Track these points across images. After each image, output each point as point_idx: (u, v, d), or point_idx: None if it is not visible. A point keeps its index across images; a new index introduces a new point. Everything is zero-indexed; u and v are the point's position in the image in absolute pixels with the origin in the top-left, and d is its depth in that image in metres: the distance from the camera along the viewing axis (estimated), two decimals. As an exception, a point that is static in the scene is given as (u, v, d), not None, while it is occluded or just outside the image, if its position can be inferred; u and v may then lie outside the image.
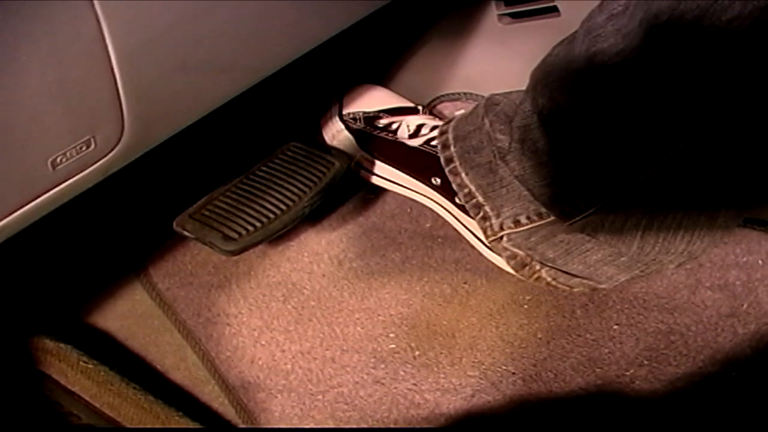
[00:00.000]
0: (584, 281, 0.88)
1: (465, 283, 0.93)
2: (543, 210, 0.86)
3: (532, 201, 0.87)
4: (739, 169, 0.77)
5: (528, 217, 0.87)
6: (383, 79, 1.16)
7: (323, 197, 0.93)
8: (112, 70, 0.61)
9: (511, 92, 0.92)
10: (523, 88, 0.91)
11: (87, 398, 0.85)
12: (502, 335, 0.89)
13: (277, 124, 1.10)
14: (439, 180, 0.96)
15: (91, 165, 0.67)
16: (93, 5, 0.57)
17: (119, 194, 0.97)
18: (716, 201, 0.81)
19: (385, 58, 1.17)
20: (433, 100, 1.15)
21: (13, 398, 0.87)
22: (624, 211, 0.82)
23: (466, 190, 0.92)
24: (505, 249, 0.90)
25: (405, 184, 1.02)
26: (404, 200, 1.03)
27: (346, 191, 1.04)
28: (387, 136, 1.04)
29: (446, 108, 1.13)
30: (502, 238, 0.90)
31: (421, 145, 1.00)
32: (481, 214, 0.91)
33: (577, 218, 0.83)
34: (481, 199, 0.91)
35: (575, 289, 0.90)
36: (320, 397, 0.86)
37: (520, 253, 0.89)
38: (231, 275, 0.97)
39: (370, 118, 1.07)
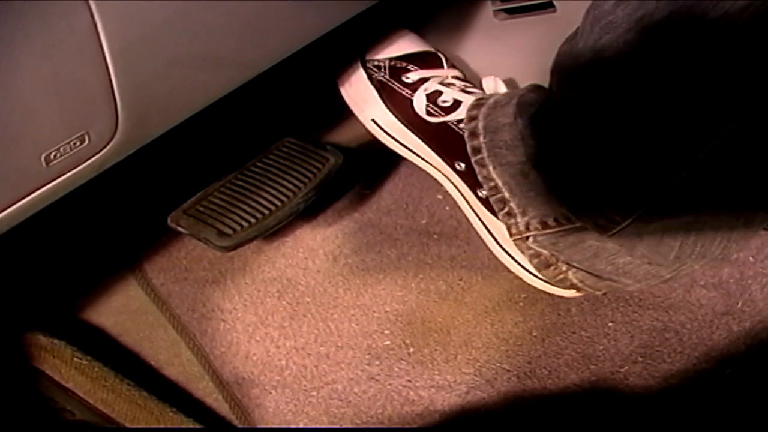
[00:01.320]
0: (612, 284, 0.85)
1: (460, 279, 0.93)
2: (571, 214, 0.82)
3: (561, 205, 0.83)
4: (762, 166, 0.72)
5: (556, 220, 0.83)
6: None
7: (318, 193, 0.93)
8: (106, 65, 0.61)
9: (544, 89, 0.89)
10: (520, 83, 0.91)
11: (81, 394, 0.85)
12: (497, 332, 0.89)
13: (272, 120, 1.09)
14: (463, 165, 0.92)
15: (85, 161, 0.66)
16: (87, 1, 0.57)
17: (114, 189, 0.97)
18: (754, 203, 0.76)
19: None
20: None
21: (7, 394, 0.87)
22: (661, 222, 0.77)
23: (492, 184, 0.88)
24: (529, 248, 0.86)
25: (428, 159, 0.97)
26: (400, 196, 1.03)
27: (341, 187, 1.04)
28: (412, 96, 0.98)
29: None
30: (527, 238, 0.86)
31: (442, 122, 0.95)
32: (506, 209, 0.87)
33: (613, 231, 0.78)
34: (507, 194, 0.87)
35: (600, 292, 0.88)
36: (314, 393, 0.86)
37: (545, 252, 0.86)
38: (226, 271, 0.96)
39: (397, 69, 1.01)
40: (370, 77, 1.01)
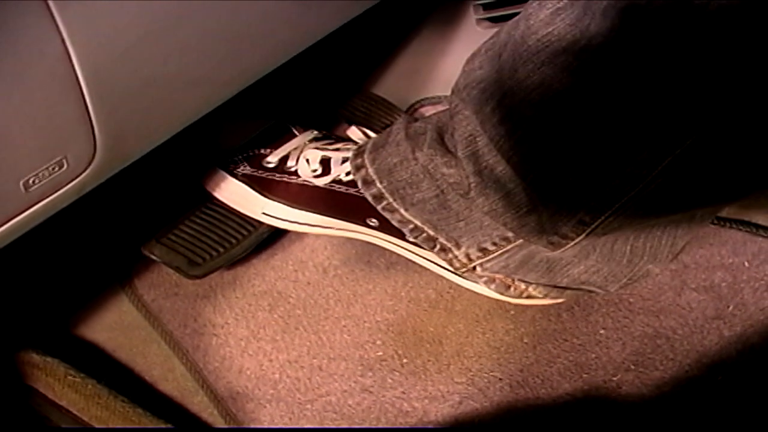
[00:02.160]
0: (576, 292, 0.84)
1: (450, 288, 0.92)
2: (509, 234, 0.79)
3: (496, 227, 0.79)
4: (719, 169, 0.69)
5: (494, 243, 0.80)
6: (364, 84, 1.15)
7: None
8: (80, 88, 0.61)
9: (430, 116, 0.84)
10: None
11: (75, 412, 0.85)
12: (488, 341, 0.88)
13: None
14: (375, 221, 0.87)
15: (65, 185, 0.66)
16: (56, 25, 0.57)
17: (102, 206, 0.97)
18: (697, 201, 0.74)
19: (365, 63, 1.16)
20: (415, 104, 1.14)
21: (2, 413, 0.87)
22: (613, 233, 0.75)
23: (411, 226, 0.83)
24: (481, 276, 0.84)
25: (340, 228, 0.92)
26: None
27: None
28: (286, 179, 0.93)
29: (427, 111, 1.12)
30: (475, 268, 0.84)
31: (331, 184, 0.89)
32: (438, 246, 0.83)
33: (567, 247, 0.75)
34: (431, 232, 0.83)
35: (570, 300, 0.88)
36: (309, 406, 0.86)
37: (498, 275, 0.83)
38: (216, 285, 0.96)
39: (253, 158, 0.96)
40: (234, 176, 0.96)
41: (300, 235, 1.00)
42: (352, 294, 0.94)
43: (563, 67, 0.66)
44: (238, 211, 0.96)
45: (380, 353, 0.89)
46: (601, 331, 0.87)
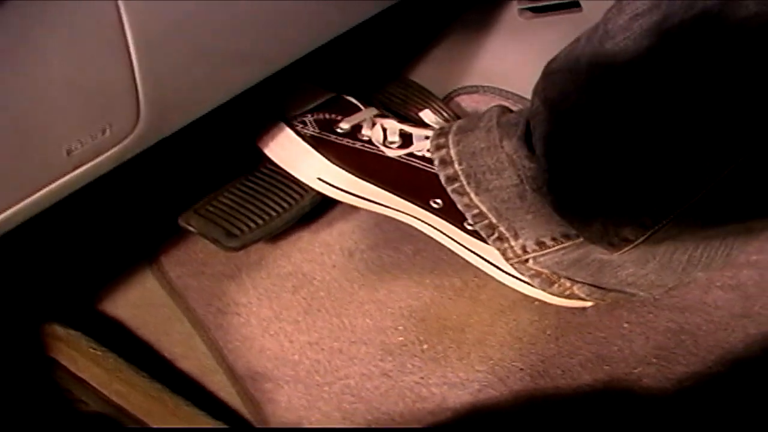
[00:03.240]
0: (619, 294, 0.84)
1: (476, 277, 0.92)
2: (571, 231, 0.80)
3: (561, 224, 0.80)
4: None
5: (554, 239, 0.82)
6: (402, 71, 1.15)
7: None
8: (130, 58, 0.62)
9: (522, 110, 0.85)
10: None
11: (95, 385, 0.85)
12: (511, 331, 0.88)
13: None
14: (440, 202, 0.87)
15: (106, 152, 0.67)
16: (115, -1, 0.58)
17: (133, 183, 0.97)
18: (757, 209, 0.74)
19: (404, 49, 1.16)
20: (451, 93, 1.13)
21: (23, 385, 0.88)
22: (673, 240, 0.76)
23: (475, 211, 0.84)
24: (530, 269, 0.84)
25: (394, 206, 0.92)
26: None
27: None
28: (358, 146, 0.93)
29: (463, 101, 1.12)
30: (527, 260, 0.84)
31: (407, 156, 0.90)
32: (496, 234, 0.84)
33: (625, 249, 0.76)
34: (494, 220, 0.83)
35: (607, 302, 0.88)
36: (327, 388, 0.86)
37: (546, 271, 0.84)
38: (242, 265, 0.96)
39: (324, 121, 0.96)
40: (300, 135, 0.95)
41: (329, 219, 1.00)
42: (377, 279, 0.94)
43: (637, 72, 0.68)
44: (290, 175, 0.95)
45: (401, 339, 0.89)
46: (625, 325, 0.87)
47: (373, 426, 0.83)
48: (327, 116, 0.96)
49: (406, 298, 0.92)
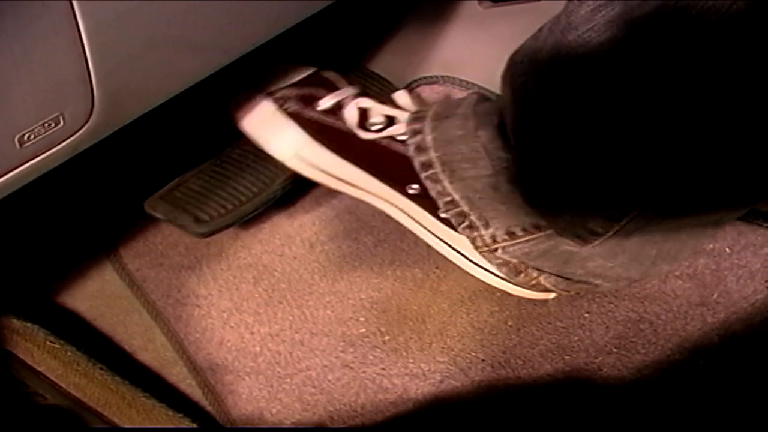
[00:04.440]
0: (585, 286, 0.84)
1: (437, 267, 0.93)
2: (542, 222, 0.80)
3: (531, 214, 0.80)
4: (751, 170, 0.71)
5: (524, 230, 0.81)
6: (361, 62, 1.15)
7: (295, 180, 0.93)
8: (82, 45, 0.61)
9: (499, 98, 0.84)
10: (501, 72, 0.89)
11: (53, 378, 0.84)
12: (472, 321, 0.89)
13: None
14: (417, 187, 0.86)
15: (60, 142, 0.66)
16: (62, -20, 0.57)
17: (91, 173, 0.96)
18: (725, 203, 0.75)
19: (363, 39, 1.16)
20: (412, 83, 1.13)
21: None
22: (642, 232, 0.75)
23: (447, 198, 0.84)
24: (497, 258, 0.84)
25: (370, 189, 0.91)
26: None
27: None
28: (339, 125, 0.91)
29: (423, 91, 1.12)
30: (496, 250, 0.84)
31: (388, 139, 0.88)
32: (466, 223, 0.83)
33: (594, 243, 0.76)
34: (466, 208, 0.83)
35: (572, 293, 0.88)
36: (288, 380, 0.86)
37: (514, 260, 0.83)
38: (202, 256, 0.96)
39: (305, 97, 0.94)
40: (282, 110, 0.93)
41: (290, 211, 1.00)
42: (338, 270, 0.94)
43: (600, 64, 0.68)
44: (264, 155, 0.94)
45: (363, 330, 0.89)
46: (585, 315, 0.88)
47: (335, 417, 0.83)
48: (309, 93, 0.94)
49: (366, 290, 0.92)
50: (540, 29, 0.77)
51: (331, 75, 0.98)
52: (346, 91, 0.93)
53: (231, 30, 0.73)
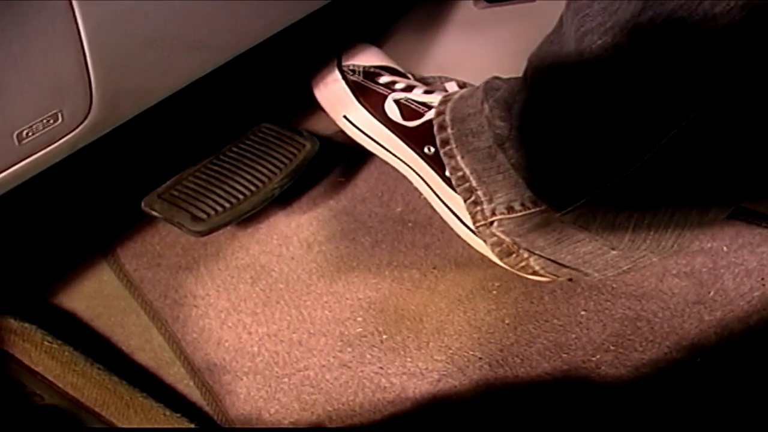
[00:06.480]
0: (573, 271, 0.87)
1: (434, 268, 0.93)
2: (532, 191, 0.85)
3: (528, 188, 0.85)
4: (731, 163, 0.77)
5: (522, 204, 0.85)
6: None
7: (293, 179, 0.93)
8: (81, 43, 0.61)
9: (510, 78, 0.90)
10: (497, 73, 0.91)
11: (50, 378, 0.84)
12: (469, 320, 0.89)
13: (249, 105, 1.10)
14: (432, 149, 0.95)
15: (58, 140, 0.66)
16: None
17: (88, 173, 0.96)
18: (708, 196, 0.80)
19: (359, 42, 1.16)
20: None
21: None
22: (615, 204, 0.80)
23: (459, 173, 0.90)
24: (492, 235, 0.88)
25: (395, 151, 1.01)
26: (375, 184, 1.03)
27: (316, 174, 1.04)
28: (386, 92, 1.03)
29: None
30: (492, 223, 0.88)
31: (414, 102, 1.00)
32: (473, 198, 0.89)
33: (569, 209, 0.81)
34: (474, 183, 0.89)
35: (560, 279, 0.90)
36: (286, 380, 0.86)
37: (507, 240, 0.87)
38: (199, 257, 0.96)
39: (370, 74, 1.07)
40: (345, 79, 1.07)
41: (287, 211, 1.00)
42: (336, 270, 0.94)
43: (600, 65, 0.73)
44: (324, 111, 1.08)
45: (360, 330, 0.89)
46: (582, 313, 0.88)
47: (333, 416, 0.83)
48: (372, 70, 1.07)
49: (364, 290, 0.92)
50: (554, 30, 0.82)
51: (400, 70, 1.09)
52: (408, 81, 1.05)
53: (227, 29, 0.73)
